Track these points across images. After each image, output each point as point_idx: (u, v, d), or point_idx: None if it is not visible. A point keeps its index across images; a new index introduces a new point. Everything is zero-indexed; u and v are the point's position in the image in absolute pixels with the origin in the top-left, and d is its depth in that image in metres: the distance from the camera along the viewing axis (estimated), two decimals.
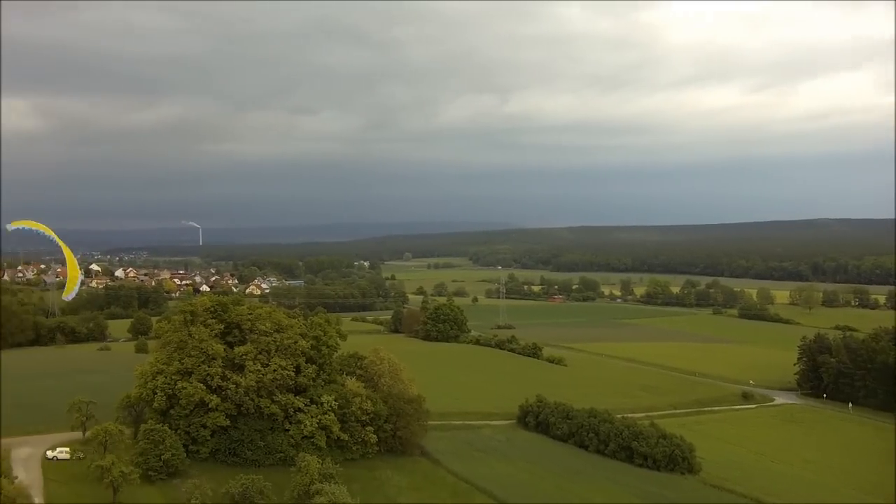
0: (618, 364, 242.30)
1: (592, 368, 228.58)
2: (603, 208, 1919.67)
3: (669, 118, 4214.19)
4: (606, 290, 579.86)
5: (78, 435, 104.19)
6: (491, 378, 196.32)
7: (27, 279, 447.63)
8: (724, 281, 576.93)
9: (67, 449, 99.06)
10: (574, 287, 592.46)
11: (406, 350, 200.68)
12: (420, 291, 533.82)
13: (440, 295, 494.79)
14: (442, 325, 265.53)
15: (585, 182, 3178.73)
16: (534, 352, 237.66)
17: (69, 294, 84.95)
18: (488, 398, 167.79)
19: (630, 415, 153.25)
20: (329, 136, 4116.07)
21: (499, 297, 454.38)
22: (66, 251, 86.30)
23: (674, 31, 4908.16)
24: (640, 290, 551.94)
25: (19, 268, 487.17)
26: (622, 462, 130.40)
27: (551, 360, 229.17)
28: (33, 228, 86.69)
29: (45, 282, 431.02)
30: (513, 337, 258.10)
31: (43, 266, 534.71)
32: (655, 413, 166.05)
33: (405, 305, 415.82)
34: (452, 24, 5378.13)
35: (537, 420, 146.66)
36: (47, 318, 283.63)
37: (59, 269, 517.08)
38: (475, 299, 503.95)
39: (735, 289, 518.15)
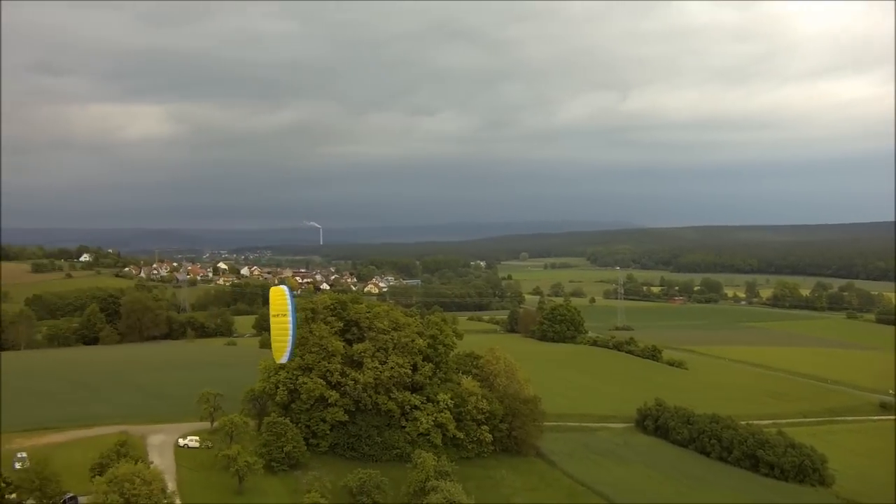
0: (742, 368, 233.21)
1: (714, 372, 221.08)
2: (727, 207, 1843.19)
3: (800, 111, 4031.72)
4: (730, 293, 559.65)
5: (206, 425, 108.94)
6: (608, 380, 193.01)
7: (161, 276, 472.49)
8: (859, 284, 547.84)
9: (197, 438, 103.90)
10: (696, 288, 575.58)
11: (522, 350, 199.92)
12: (536, 291, 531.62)
13: (557, 295, 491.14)
14: (558, 326, 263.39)
15: (709, 180, 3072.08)
16: (653, 354, 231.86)
17: (281, 358, 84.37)
18: (605, 400, 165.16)
19: (755, 422, 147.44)
20: (447, 137, 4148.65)
21: (617, 298, 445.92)
22: (280, 316, 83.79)
23: (803, 19, 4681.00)
24: (766, 293, 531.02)
25: (154, 265, 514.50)
26: (746, 471, 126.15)
27: (671, 363, 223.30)
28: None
29: (177, 279, 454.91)
30: (631, 339, 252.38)
31: (175, 264, 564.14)
32: (783, 421, 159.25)
33: (521, 305, 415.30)
34: (570, 21, 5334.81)
35: (656, 424, 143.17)
36: (179, 313, 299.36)
37: (189, 267, 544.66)
38: (592, 300, 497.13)
39: (872, 292, 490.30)
